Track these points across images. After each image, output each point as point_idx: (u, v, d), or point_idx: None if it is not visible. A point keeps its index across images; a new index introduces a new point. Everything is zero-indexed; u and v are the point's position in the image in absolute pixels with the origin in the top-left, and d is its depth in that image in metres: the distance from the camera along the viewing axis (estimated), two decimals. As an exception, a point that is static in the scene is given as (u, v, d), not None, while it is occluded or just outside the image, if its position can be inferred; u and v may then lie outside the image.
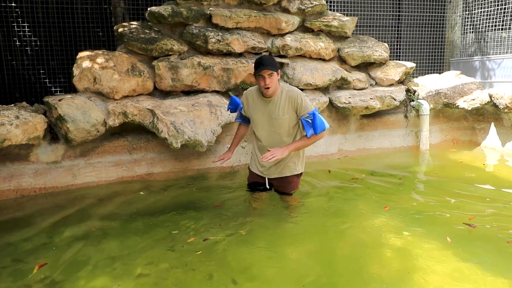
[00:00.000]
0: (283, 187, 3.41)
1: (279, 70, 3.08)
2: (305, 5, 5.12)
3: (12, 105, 3.95)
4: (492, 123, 5.50)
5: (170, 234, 2.90)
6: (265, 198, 3.43)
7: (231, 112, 3.61)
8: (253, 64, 3.15)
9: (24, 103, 4.05)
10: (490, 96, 5.25)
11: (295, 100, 3.08)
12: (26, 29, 5.81)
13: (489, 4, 6.76)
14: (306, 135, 3.09)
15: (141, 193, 3.81)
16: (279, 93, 3.11)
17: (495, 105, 5.21)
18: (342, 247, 2.71)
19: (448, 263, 2.42)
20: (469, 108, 5.30)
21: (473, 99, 5.29)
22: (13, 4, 5.71)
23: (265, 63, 2.95)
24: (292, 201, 3.41)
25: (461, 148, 5.57)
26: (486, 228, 2.86)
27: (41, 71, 5.90)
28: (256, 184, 3.47)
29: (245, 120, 3.44)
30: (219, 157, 3.43)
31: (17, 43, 5.83)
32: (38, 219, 3.24)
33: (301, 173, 3.44)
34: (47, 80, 5.90)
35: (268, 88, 3.01)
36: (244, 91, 3.36)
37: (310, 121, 3.06)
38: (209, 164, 4.48)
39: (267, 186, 3.42)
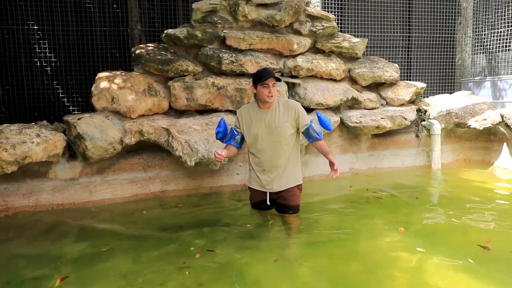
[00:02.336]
0: (287, 199, 3.43)
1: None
2: (316, 27, 5.25)
3: (33, 123, 4.09)
4: (505, 143, 5.49)
5: (183, 250, 2.96)
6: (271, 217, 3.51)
7: (219, 137, 3.52)
8: (253, 76, 3.30)
9: (45, 122, 4.20)
10: (502, 116, 5.26)
11: (295, 110, 3.31)
12: (47, 50, 6.05)
13: (499, 25, 6.82)
14: (319, 138, 3.43)
15: (144, 212, 3.83)
16: (276, 104, 3.32)
17: (507, 125, 5.22)
18: (353, 265, 2.73)
19: (461, 284, 2.42)
20: (481, 128, 5.31)
21: (485, 119, 5.31)
22: (35, 27, 5.95)
23: (270, 73, 3.19)
24: (295, 221, 3.41)
25: (473, 167, 5.55)
26: (500, 250, 2.84)
27: (60, 91, 6.10)
28: (259, 203, 3.53)
29: (236, 142, 3.41)
30: (215, 153, 3.17)
31: (38, 63, 6.06)
32: (56, 234, 3.33)
33: (301, 186, 3.51)
34: (65, 100, 6.09)
35: (272, 96, 3.20)
36: (238, 110, 3.47)
37: (313, 126, 3.43)
38: (221, 182, 4.55)
39: (268, 203, 3.46)
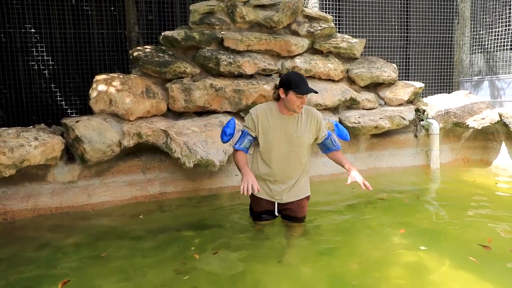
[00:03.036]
0: (295, 211, 3.18)
1: None
2: (314, 28, 5.25)
3: (31, 126, 4.08)
4: (503, 142, 5.50)
5: (182, 252, 2.94)
6: (268, 224, 3.27)
7: (226, 139, 3.20)
8: (286, 80, 2.86)
9: (43, 125, 4.19)
10: (500, 115, 5.26)
11: (317, 120, 3.03)
12: (44, 53, 6.04)
13: (497, 25, 6.84)
14: (336, 149, 3.20)
15: (140, 216, 3.78)
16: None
17: (505, 124, 5.22)
18: (354, 264, 2.72)
19: (462, 283, 2.41)
20: (479, 127, 5.31)
21: (483, 118, 5.31)
22: (33, 30, 5.94)
23: (308, 85, 2.85)
24: (299, 229, 3.22)
25: (472, 167, 5.55)
26: (500, 249, 2.84)
27: (58, 94, 6.09)
28: (264, 212, 3.21)
29: (247, 147, 3.05)
30: (246, 186, 2.75)
31: (35, 67, 6.05)
32: (56, 238, 3.31)
33: (309, 196, 3.27)
34: (63, 103, 6.08)
35: (302, 107, 2.90)
36: (252, 109, 3.04)
37: (333, 137, 3.20)
38: (220, 184, 4.54)
39: (276, 213, 3.17)
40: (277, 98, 2.97)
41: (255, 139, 3.04)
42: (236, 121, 3.50)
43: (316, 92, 2.88)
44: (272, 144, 2.98)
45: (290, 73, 2.92)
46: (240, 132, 3.04)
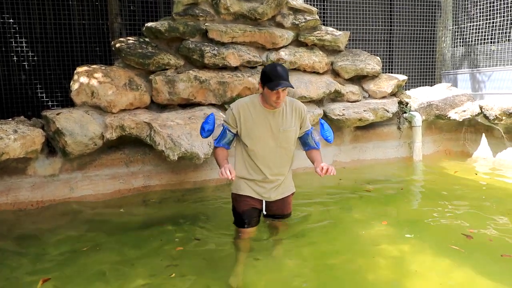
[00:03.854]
0: (282, 209, 2.99)
1: None
2: (299, 20, 5.24)
3: (10, 119, 3.99)
4: (483, 134, 5.60)
5: (165, 246, 2.93)
6: (252, 233, 2.97)
7: (206, 135, 2.94)
8: (263, 73, 2.65)
9: (22, 117, 4.09)
10: (481, 108, 5.36)
11: (302, 112, 2.83)
12: (24, 44, 5.88)
13: (478, 18, 6.93)
14: (316, 148, 2.93)
15: (121, 210, 3.74)
16: (283, 104, 2.76)
17: (485, 116, 5.32)
18: (337, 255, 2.75)
19: (443, 272, 2.46)
20: (460, 120, 5.40)
21: (464, 111, 5.40)
22: (11, 20, 5.79)
23: (285, 77, 2.58)
24: (284, 225, 3.10)
25: (454, 158, 5.65)
26: (481, 239, 2.91)
27: (38, 86, 5.95)
28: (250, 211, 2.89)
29: (228, 143, 2.84)
30: (225, 173, 2.55)
31: (15, 58, 5.89)
32: (36, 233, 3.25)
33: (293, 192, 3.07)
34: (44, 95, 5.95)
35: (280, 102, 2.66)
36: (233, 104, 2.81)
37: (313, 133, 2.94)
38: (205, 176, 4.53)
39: (264, 212, 2.93)
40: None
41: (237, 135, 2.83)
42: (216, 116, 3.34)
43: (292, 87, 2.64)
44: (257, 141, 2.75)
45: (267, 66, 2.71)
46: (221, 128, 2.82)
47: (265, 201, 2.91)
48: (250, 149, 2.78)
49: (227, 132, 2.80)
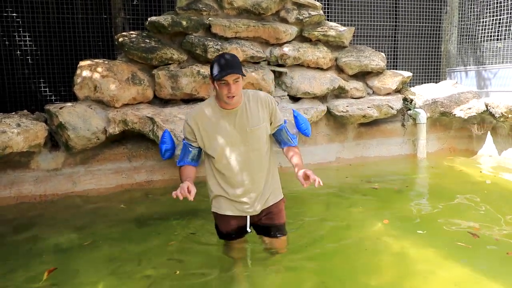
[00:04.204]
0: (273, 218, 2.55)
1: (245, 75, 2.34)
2: (303, 15, 5.20)
3: (14, 113, 3.99)
4: (489, 132, 5.55)
5: (168, 240, 2.93)
6: (244, 242, 2.66)
7: (168, 155, 2.66)
8: (210, 66, 2.31)
9: (25, 111, 4.09)
10: (486, 105, 5.31)
11: (269, 104, 2.42)
12: (27, 38, 5.88)
13: (485, 15, 6.87)
14: (292, 145, 2.54)
15: (122, 206, 3.73)
16: (244, 100, 2.37)
17: (491, 114, 5.27)
18: (340, 254, 2.74)
19: (449, 270, 2.44)
20: (466, 117, 5.35)
21: (469, 108, 5.35)
22: (14, 14, 5.78)
23: (231, 64, 2.21)
24: (282, 245, 2.67)
25: (458, 156, 5.61)
26: (486, 237, 2.88)
27: (41, 80, 5.95)
28: (235, 229, 2.54)
29: (193, 159, 2.43)
30: (181, 192, 2.17)
31: (18, 52, 5.89)
32: (40, 227, 3.26)
33: (284, 198, 2.64)
34: (47, 89, 5.95)
35: (233, 97, 2.24)
36: (187, 115, 2.42)
37: (287, 127, 2.54)
38: (205, 172, 4.50)
39: (248, 229, 2.53)
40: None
41: (199, 149, 2.43)
42: (172, 133, 2.86)
43: (242, 74, 2.23)
44: (224, 149, 2.35)
45: (215, 57, 2.33)
46: (182, 145, 2.45)
47: (249, 216, 2.48)
48: (218, 161, 2.36)
49: (189, 148, 2.40)
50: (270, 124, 2.45)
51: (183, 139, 2.44)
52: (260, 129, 2.38)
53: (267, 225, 2.55)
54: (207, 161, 2.46)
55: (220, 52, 4.58)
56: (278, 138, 2.52)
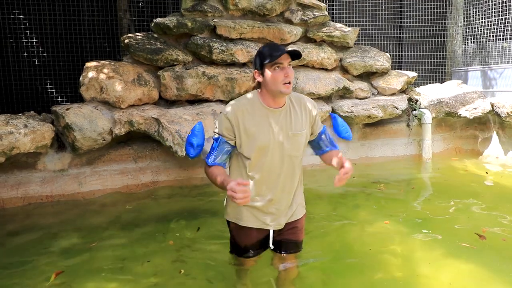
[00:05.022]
0: (297, 234, 2.33)
1: None
2: (308, 16, 5.21)
3: (21, 114, 4.02)
4: (494, 132, 5.53)
5: (173, 241, 2.94)
6: (256, 261, 2.38)
7: (195, 153, 2.37)
8: (257, 55, 2.08)
9: (32, 112, 4.13)
10: (492, 105, 5.29)
11: (312, 110, 2.23)
12: (34, 40, 5.93)
13: (490, 15, 6.84)
14: (335, 148, 2.33)
15: (128, 206, 3.75)
16: (288, 101, 2.16)
17: (497, 114, 5.25)
18: (346, 254, 2.74)
19: (454, 271, 2.44)
20: (471, 117, 5.33)
21: (475, 108, 5.33)
22: (21, 16, 5.83)
23: (281, 48, 2.01)
24: (294, 262, 2.41)
25: (464, 157, 5.59)
26: (492, 238, 2.87)
27: (48, 82, 6.00)
28: (254, 244, 2.27)
29: (225, 161, 2.18)
30: (239, 188, 1.83)
31: (25, 54, 5.95)
32: (46, 227, 3.28)
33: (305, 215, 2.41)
34: (53, 90, 6.00)
35: (290, 83, 2.02)
36: (227, 108, 2.12)
37: (328, 133, 2.35)
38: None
39: (271, 245, 2.27)
40: (258, 86, 2.15)
41: (235, 148, 2.16)
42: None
43: (298, 54, 2.02)
44: (263, 152, 2.10)
45: (260, 48, 2.11)
46: (212, 141, 2.16)
47: (273, 230, 2.24)
48: (253, 163, 2.12)
49: (224, 145, 2.12)
50: (312, 131, 2.26)
51: (217, 136, 2.12)
52: (302, 136, 2.16)
53: (289, 240, 2.30)
54: (236, 163, 2.19)
55: (225, 53, 4.60)
56: (316, 144, 2.33)
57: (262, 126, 2.08)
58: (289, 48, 4.96)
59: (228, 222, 2.28)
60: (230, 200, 2.17)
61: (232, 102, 2.15)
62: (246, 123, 2.07)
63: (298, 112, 2.16)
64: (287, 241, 2.30)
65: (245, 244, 2.25)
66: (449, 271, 2.43)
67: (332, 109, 5.04)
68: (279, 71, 1.99)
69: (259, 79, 2.08)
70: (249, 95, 2.16)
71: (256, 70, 2.09)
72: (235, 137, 2.10)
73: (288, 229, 2.27)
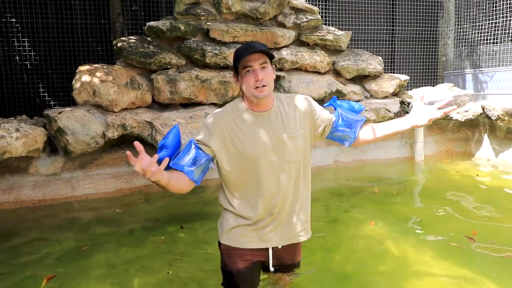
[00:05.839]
0: (292, 256, 2.08)
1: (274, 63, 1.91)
2: (301, 19, 5.24)
3: (12, 118, 4.00)
4: (486, 134, 5.58)
5: (166, 244, 2.93)
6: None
7: (165, 155, 1.76)
8: (233, 58, 1.88)
9: (24, 116, 4.10)
10: (483, 108, 5.34)
11: (308, 105, 1.98)
12: (26, 44, 5.91)
13: (481, 19, 6.92)
14: (362, 121, 2.06)
15: (118, 210, 3.72)
16: (277, 102, 1.93)
17: (488, 117, 5.30)
18: (340, 255, 2.75)
19: (444, 272, 2.46)
20: (463, 120, 5.38)
21: (466, 111, 5.38)
22: (13, 20, 5.81)
23: (254, 45, 1.79)
24: (287, 280, 2.16)
25: (456, 159, 5.63)
26: (482, 241, 2.89)
27: (40, 85, 5.97)
28: (249, 269, 1.95)
29: (195, 172, 1.83)
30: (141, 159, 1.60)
31: (17, 58, 5.92)
32: (38, 232, 3.26)
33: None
34: (46, 94, 5.97)
35: (264, 86, 1.78)
36: (208, 119, 1.89)
37: (344, 114, 2.04)
38: (206, 176, 4.52)
39: (271, 268, 1.99)
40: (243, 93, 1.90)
41: (210, 160, 1.88)
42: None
43: (271, 55, 1.82)
44: (254, 160, 1.85)
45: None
46: (195, 150, 1.82)
47: (272, 249, 1.96)
48: (243, 178, 1.88)
49: (199, 152, 1.82)
50: (319, 126, 1.99)
51: (194, 142, 1.84)
52: (298, 138, 1.90)
53: (282, 263, 2.04)
54: (224, 186, 1.98)
55: (218, 57, 4.61)
56: (339, 137, 2.05)
57: (251, 133, 1.85)
58: (283, 51, 5.02)
59: (221, 245, 1.99)
60: (224, 221, 1.97)
61: (215, 111, 1.95)
62: (231, 132, 1.84)
63: (289, 111, 1.93)
64: (282, 264, 2.04)
65: (238, 268, 1.93)
66: (439, 272, 2.45)
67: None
68: (249, 75, 1.79)
69: (238, 83, 1.89)
70: (235, 101, 1.95)
71: (234, 74, 1.91)
72: (211, 147, 1.83)
73: (285, 250, 1.99)
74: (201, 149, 1.83)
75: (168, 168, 1.75)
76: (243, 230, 1.92)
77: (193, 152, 1.81)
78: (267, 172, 1.86)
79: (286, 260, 2.05)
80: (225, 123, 1.85)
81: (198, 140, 1.84)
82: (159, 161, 1.65)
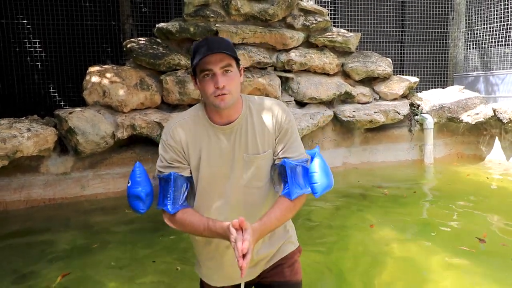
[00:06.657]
0: (283, 272, 1.63)
1: (241, 65, 1.51)
2: (310, 21, 5.24)
3: (24, 118, 4.05)
4: (496, 137, 5.53)
5: (175, 243, 2.95)
6: None
7: (147, 204, 1.74)
8: (195, 60, 1.41)
9: (35, 116, 4.16)
10: (494, 111, 5.29)
11: (279, 120, 1.52)
12: (37, 45, 5.98)
13: (492, 21, 6.86)
14: (287, 195, 1.47)
15: (126, 211, 3.64)
16: (246, 110, 1.52)
17: (499, 119, 5.25)
18: (349, 259, 2.73)
19: (454, 276, 2.44)
20: (473, 122, 5.33)
21: (477, 114, 5.33)
22: (25, 21, 5.88)
23: (215, 45, 1.39)
24: None
25: (466, 162, 5.58)
26: (493, 243, 2.87)
27: (51, 86, 6.04)
28: None
29: (187, 198, 1.51)
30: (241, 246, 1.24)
31: (28, 59, 5.99)
32: (49, 230, 3.30)
33: (300, 247, 1.73)
34: (57, 95, 6.04)
35: (225, 94, 1.41)
36: (167, 128, 1.50)
37: (300, 170, 1.52)
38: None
39: None
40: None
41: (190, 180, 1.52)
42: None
43: (235, 56, 1.43)
44: (209, 184, 1.50)
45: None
46: (160, 181, 1.50)
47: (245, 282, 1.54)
48: (199, 197, 1.52)
49: (179, 180, 1.48)
50: (278, 149, 1.51)
51: (163, 174, 1.48)
52: (265, 158, 1.51)
53: (276, 283, 1.63)
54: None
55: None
56: (281, 177, 1.52)
57: (206, 149, 1.48)
58: (292, 53, 5.02)
59: (200, 279, 1.67)
60: (197, 258, 1.64)
61: (171, 119, 1.63)
62: (189, 145, 1.48)
63: (258, 125, 1.51)
64: (273, 284, 1.63)
65: None
66: (449, 275, 2.43)
67: (334, 113, 5.05)
68: (208, 80, 1.41)
69: (196, 86, 1.49)
70: (195, 107, 1.55)
71: (192, 77, 1.50)
72: (185, 161, 1.49)
73: (272, 269, 1.62)
74: (182, 175, 1.48)
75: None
76: (208, 265, 1.60)
77: (178, 184, 1.48)
78: (224, 198, 1.50)
79: (277, 278, 1.63)
80: (183, 132, 1.49)
81: (173, 167, 1.48)
82: (142, 212, 1.68)
